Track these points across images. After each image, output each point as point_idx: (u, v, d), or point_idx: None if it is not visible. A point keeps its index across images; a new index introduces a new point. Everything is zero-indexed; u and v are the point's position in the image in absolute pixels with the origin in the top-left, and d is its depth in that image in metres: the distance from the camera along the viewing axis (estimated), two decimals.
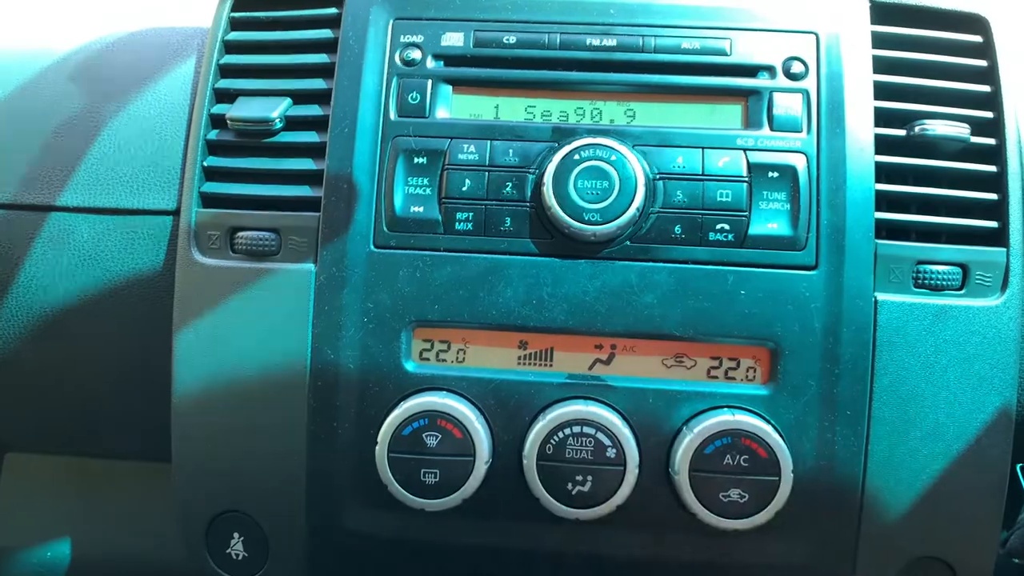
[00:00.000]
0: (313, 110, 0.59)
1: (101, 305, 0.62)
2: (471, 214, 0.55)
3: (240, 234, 0.58)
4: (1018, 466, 0.62)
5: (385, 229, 0.56)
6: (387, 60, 0.58)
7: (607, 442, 0.53)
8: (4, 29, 0.78)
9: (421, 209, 0.56)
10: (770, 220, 0.54)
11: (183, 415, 0.57)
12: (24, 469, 0.78)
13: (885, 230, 0.55)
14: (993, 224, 0.56)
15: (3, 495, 0.78)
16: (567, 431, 0.53)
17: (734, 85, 0.57)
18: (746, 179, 0.55)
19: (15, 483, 0.78)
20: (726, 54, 0.57)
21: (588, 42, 0.57)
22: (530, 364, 0.55)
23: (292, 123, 0.59)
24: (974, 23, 0.59)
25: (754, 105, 0.56)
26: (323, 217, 0.56)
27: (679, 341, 0.55)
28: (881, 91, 0.57)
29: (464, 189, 0.55)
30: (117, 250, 0.62)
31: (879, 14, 0.58)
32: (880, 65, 0.57)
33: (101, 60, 0.67)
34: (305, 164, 0.58)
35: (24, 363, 0.64)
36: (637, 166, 0.54)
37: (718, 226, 0.54)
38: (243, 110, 0.59)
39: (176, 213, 0.61)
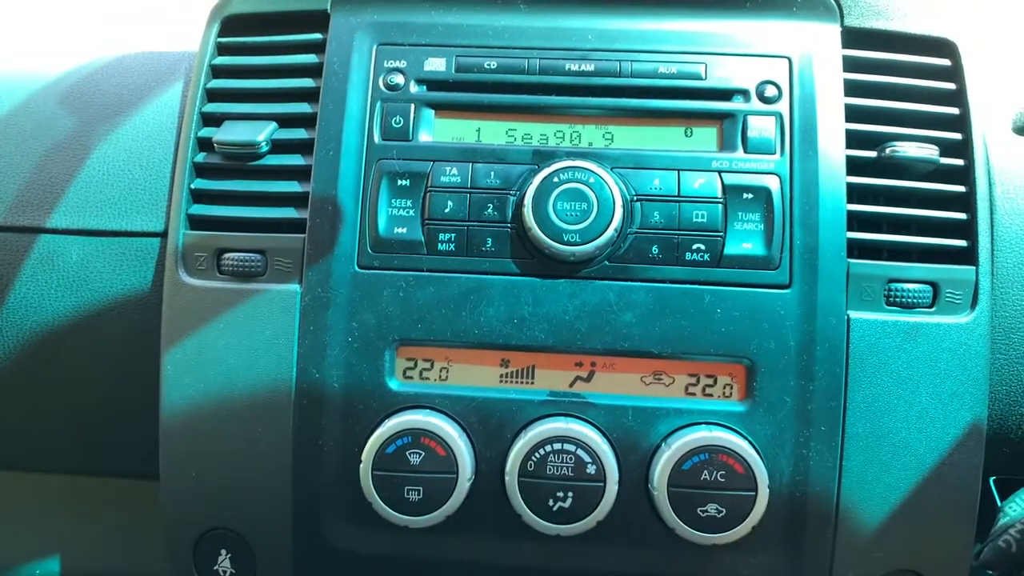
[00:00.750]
0: (299, 133, 0.60)
1: (90, 325, 0.63)
2: (453, 235, 0.56)
3: (227, 255, 0.59)
4: (991, 479, 0.63)
5: (369, 250, 0.57)
6: (371, 85, 0.59)
7: (587, 459, 0.54)
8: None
9: (404, 230, 0.57)
10: (745, 240, 0.56)
11: (171, 434, 0.58)
12: (12, 487, 0.78)
13: (857, 249, 0.57)
14: (962, 243, 0.57)
15: None
16: (548, 448, 0.54)
17: (709, 108, 0.58)
18: (721, 200, 0.56)
19: (4, 501, 0.78)
20: (701, 78, 0.58)
21: (567, 67, 0.59)
22: (512, 382, 0.56)
23: (278, 146, 0.60)
24: (943, 47, 0.60)
25: (729, 128, 0.58)
26: (308, 238, 0.57)
27: (657, 359, 0.56)
28: (852, 114, 0.58)
29: (446, 211, 0.57)
30: (105, 271, 0.62)
31: (850, 38, 0.60)
32: (851, 88, 0.59)
33: (90, 84, 0.68)
34: (291, 187, 0.59)
35: (13, 383, 0.65)
36: (615, 188, 0.55)
37: (694, 246, 0.56)
38: (230, 134, 0.60)
39: (164, 235, 0.62)
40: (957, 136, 0.59)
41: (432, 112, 0.59)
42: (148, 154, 0.64)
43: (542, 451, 0.54)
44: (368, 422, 0.55)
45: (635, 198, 0.56)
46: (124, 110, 0.66)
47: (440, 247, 0.56)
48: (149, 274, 0.62)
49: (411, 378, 0.57)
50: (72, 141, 0.65)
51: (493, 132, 0.59)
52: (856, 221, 0.57)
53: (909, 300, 0.56)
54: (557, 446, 0.54)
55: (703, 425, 0.55)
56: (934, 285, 0.57)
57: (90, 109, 0.66)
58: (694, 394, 0.56)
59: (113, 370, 0.64)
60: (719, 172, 0.56)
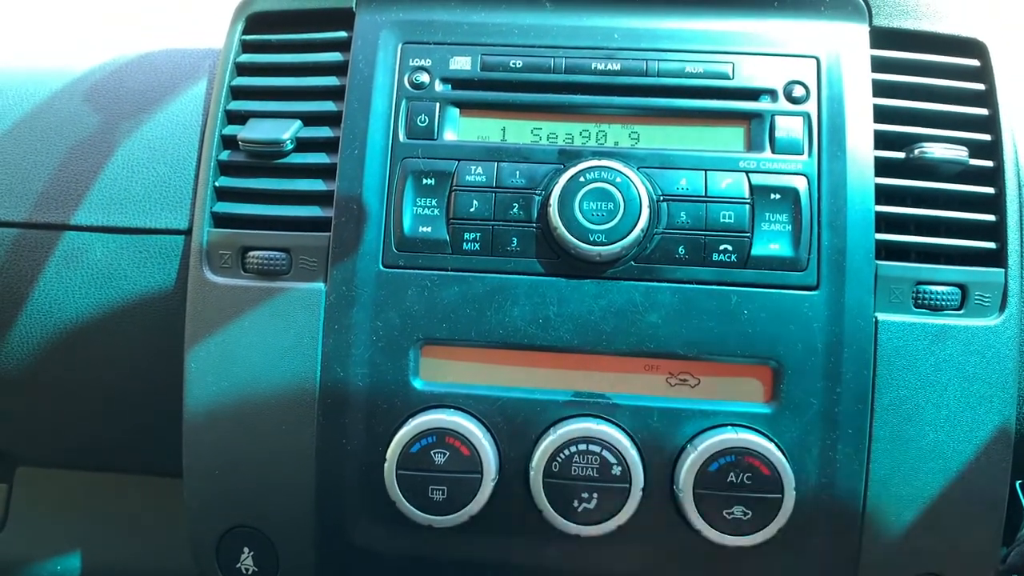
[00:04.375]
0: (323, 132, 0.60)
1: (113, 323, 0.63)
2: (478, 234, 0.56)
3: (251, 253, 0.59)
4: (1017, 483, 0.63)
5: (394, 249, 0.57)
6: (396, 83, 0.59)
7: (612, 460, 0.53)
8: (19, 49, 0.79)
9: (429, 229, 0.57)
10: (772, 241, 0.55)
11: (194, 431, 0.58)
12: (35, 483, 0.79)
13: (885, 251, 0.56)
14: (991, 245, 0.57)
15: (14, 509, 0.79)
16: (573, 448, 0.54)
17: (736, 108, 0.58)
18: (748, 201, 0.56)
19: (26, 497, 0.79)
20: (728, 78, 0.58)
21: (593, 66, 0.58)
22: (537, 382, 0.56)
23: (303, 144, 0.60)
24: (972, 47, 0.60)
25: (756, 128, 0.57)
26: (333, 237, 0.57)
27: (683, 360, 0.55)
28: (881, 114, 0.58)
29: (471, 210, 0.56)
30: (130, 269, 0.62)
31: (879, 39, 0.60)
32: (880, 89, 0.58)
33: (115, 81, 0.69)
34: (315, 185, 0.59)
35: (37, 379, 0.65)
36: (641, 188, 0.55)
37: (721, 247, 0.55)
38: (255, 132, 0.60)
39: (188, 232, 0.62)
40: (986, 137, 0.58)
41: (457, 111, 0.59)
42: (172, 151, 0.64)
43: (567, 452, 0.54)
44: (392, 421, 0.55)
45: (661, 198, 0.56)
46: (148, 107, 0.66)
47: (465, 246, 0.56)
48: (173, 272, 0.62)
49: (435, 377, 0.56)
50: (96, 138, 0.65)
51: (518, 131, 0.59)
52: (884, 222, 0.56)
53: (937, 302, 0.56)
54: (582, 447, 0.54)
55: (729, 427, 0.54)
56: (963, 287, 0.56)
57: (114, 106, 0.67)
58: (720, 396, 0.55)
59: (137, 368, 0.64)
60: (746, 172, 0.56)
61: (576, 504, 0.53)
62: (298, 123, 0.60)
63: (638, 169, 0.56)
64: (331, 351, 0.56)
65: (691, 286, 0.55)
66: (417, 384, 0.56)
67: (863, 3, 0.60)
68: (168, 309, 0.62)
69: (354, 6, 0.61)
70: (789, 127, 0.57)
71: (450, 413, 0.55)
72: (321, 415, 0.56)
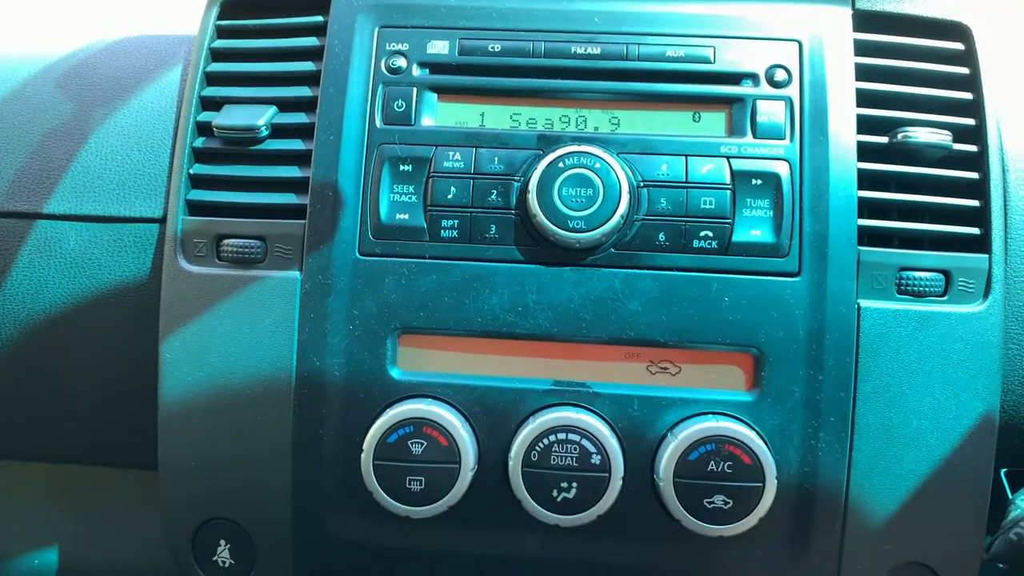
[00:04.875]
0: (299, 118, 0.59)
1: (87, 313, 0.62)
2: (456, 221, 0.55)
3: (226, 242, 0.58)
4: (1002, 471, 0.62)
5: (370, 236, 0.56)
6: (373, 68, 0.58)
7: (592, 449, 0.53)
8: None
9: (406, 217, 0.56)
10: (753, 227, 0.55)
11: (169, 422, 0.57)
12: (10, 476, 0.78)
13: (868, 237, 0.56)
14: (975, 230, 0.56)
15: None
16: (552, 438, 0.53)
17: (718, 93, 0.57)
18: (729, 186, 0.55)
19: (2, 491, 0.78)
20: (710, 62, 0.57)
21: (573, 50, 0.58)
22: (515, 371, 0.55)
23: (278, 131, 0.59)
24: (956, 31, 0.59)
25: (738, 113, 0.56)
26: (309, 225, 0.56)
27: (663, 347, 0.55)
28: (864, 98, 0.57)
29: (449, 197, 0.56)
30: (103, 258, 0.62)
31: (862, 22, 0.59)
32: (863, 72, 0.57)
33: (88, 67, 0.67)
34: (291, 172, 0.58)
35: (10, 371, 0.64)
36: (621, 174, 0.54)
37: (702, 233, 0.54)
38: (229, 118, 0.59)
39: (162, 221, 0.61)
40: (970, 121, 0.58)
41: (435, 96, 0.58)
42: (147, 139, 0.63)
43: (546, 441, 0.53)
44: (369, 411, 0.55)
45: (642, 184, 0.55)
46: (122, 94, 0.65)
47: (443, 234, 0.55)
48: (148, 261, 0.61)
49: (413, 367, 0.56)
50: (70, 125, 0.64)
51: (497, 116, 0.58)
52: (867, 208, 0.56)
53: (921, 289, 0.55)
54: (561, 436, 0.53)
55: (710, 415, 0.54)
56: (946, 273, 0.55)
57: (88, 93, 0.65)
58: (701, 383, 0.55)
59: (111, 358, 0.63)
60: (727, 158, 0.55)
61: (555, 494, 0.53)
62: (273, 109, 0.59)
63: (618, 155, 0.55)
64: (307, 340, 0.56)
65: (672, 273, 0.54)
66: (395, 374, 0.55)
67: None
68: (143, 299, 0.61)
69: None
70: (771, 112, 0.56)
71: (428, 403, 0.54)
72: (297, 405, 0.56)
